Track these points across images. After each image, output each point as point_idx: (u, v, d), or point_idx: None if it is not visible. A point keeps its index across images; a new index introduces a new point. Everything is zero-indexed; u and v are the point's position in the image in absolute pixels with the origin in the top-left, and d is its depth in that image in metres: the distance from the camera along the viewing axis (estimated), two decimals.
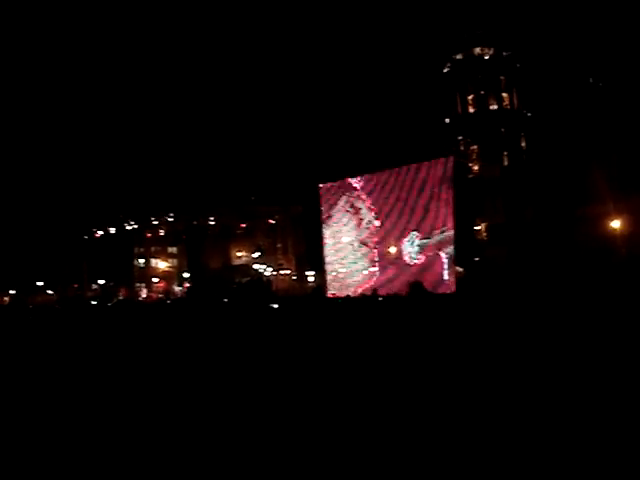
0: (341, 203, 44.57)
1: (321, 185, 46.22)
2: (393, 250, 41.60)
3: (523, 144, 70.26)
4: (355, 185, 44.01)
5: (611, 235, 48.57)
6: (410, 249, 40.24)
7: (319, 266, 49.20)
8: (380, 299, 23.89)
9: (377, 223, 42.49)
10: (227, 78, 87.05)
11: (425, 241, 39.35)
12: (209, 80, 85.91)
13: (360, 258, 43.48)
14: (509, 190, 58.08)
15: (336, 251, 44.99)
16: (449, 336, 10.20)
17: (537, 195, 54.47)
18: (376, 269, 42.33)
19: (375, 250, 42.59)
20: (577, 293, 14.80)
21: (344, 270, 44.35)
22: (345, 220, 44.41)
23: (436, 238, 38.90)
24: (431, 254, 39.06)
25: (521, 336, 8.51)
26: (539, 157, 63.25)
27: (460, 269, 41.02)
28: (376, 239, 42.61)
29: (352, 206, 43.93)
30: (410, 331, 11.58)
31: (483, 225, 60.60)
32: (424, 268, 39.09)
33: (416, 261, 39.82)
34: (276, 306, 22.92)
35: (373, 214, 42.73)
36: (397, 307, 18.06)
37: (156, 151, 64.82)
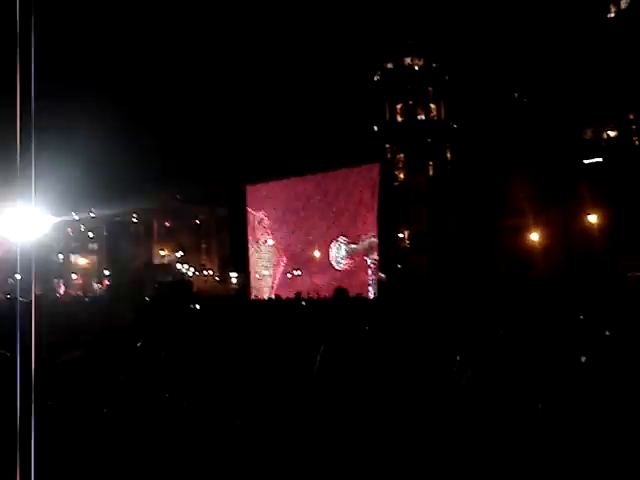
0: (266, 205, 44.48)
1: (248, 186, 46.03)
2: (317, 254, 41.72)
3: (448, 155, 71.66)
4: (276, 188, 44.02)
5: (529, 247, 49.98)
6: (337, 254, 40.40)
7: (243, 268, 48.98)
8: (303, 303, 23.92)
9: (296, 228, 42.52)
10: (156, 73, 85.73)
11: (353, 247, 39.56)
12: (137, 75, 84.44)
13: (284, 261, 43.48)
14: (433, 199, 59.10)
15: (260, 254, 44.88)
16: (369, 339, 10.27)
17: (460, 205, 55.59)
18: (299, 272, 42.38)
19: (300, 254, 42.64)
20: (493, 303, 15.15)
21: (267, 273, 44.26)
22: (269, 223, 44.34)
23: (363, 244, 39.15)
24: (358, 259, 39.30)
25: (436, 341, 8.66)
26: (463, 168, 64.63)
27: (383, 275, 41.44)
28: (299, 244, 42.67)
29: (274, 209, 43.91)
30: (331, 334, 11.59)
31: (406, 233, 61.49)
32: (350, 273, 39.29)
33: (343, 266, 40.03)
34: (198, 307, 22.69)
35: (294, 219, 42.80)
36: (319, 311, 18.11)
37: (79, 144, 63.30)
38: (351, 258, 39.84)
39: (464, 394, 5.78)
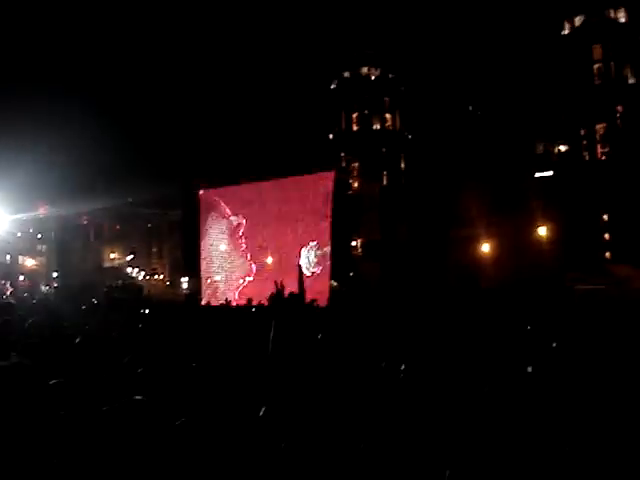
0: (219, 210, 44.20)
1: (201, 191, 45.72)
2: (270, 261, 41.58)
3: (402, 165, 72.15)
4: (230, 193, 43.77)
5: (479, 258, 50.59)
6: (306, 260, 40.08)
7: (194, 273, 48.58)
8: (253, 309, 23.78)
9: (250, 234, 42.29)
10: (113, 76, 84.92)
11: (322, 251, 39.34)
12: (93, 76, 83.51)
13: (237, 267, 43.23)
14: (386, 208, 59.44)
15: (212, 258, 44.57)
16: (319, 346, 10.24)
17: (412, 215, 56.03)
18: (251, 279, 42.18)
19: (252, 260, 42.42)
20: (443, 312, 15.26)
21: (218, 278, 43.95)
22: (222, 228, 44.07)
23: (325, 250, 39.00)
24: (326, 265, 39.17)
25: (384, 349, 8.68)
26: (416, 178, 65.16)
27: (335, 283, 41.47)
28: (254, 249, 42.47)
29: (227, 214, 43.66)
30: (279, 341, 11.54)
31: (359, 241, 61.72)
32: (317, 279, 39.12)
33: (314, 271, 39.80)
34: (147, 311, 22.37)
35: (247, 224, 42.59)
36: (265, 317, 18.01)
37: (31, 142, 62.20)
38: (321, 264, 39.70)
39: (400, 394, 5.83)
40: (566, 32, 58.98)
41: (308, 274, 39.76)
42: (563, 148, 58.79)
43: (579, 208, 51.01)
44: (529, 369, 6.64)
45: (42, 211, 68.29)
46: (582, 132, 57.15)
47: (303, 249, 40.30)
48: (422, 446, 4.63)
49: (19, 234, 73.39)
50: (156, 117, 75.96)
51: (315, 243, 39.85)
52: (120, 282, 59.48)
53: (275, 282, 9.41)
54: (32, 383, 5.19)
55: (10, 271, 73.30)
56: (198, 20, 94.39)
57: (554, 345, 8.00)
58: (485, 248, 50.97)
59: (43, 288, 71.78)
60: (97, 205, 71.26)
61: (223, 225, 44.24)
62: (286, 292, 9.87)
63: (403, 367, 6.66)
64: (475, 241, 51.45)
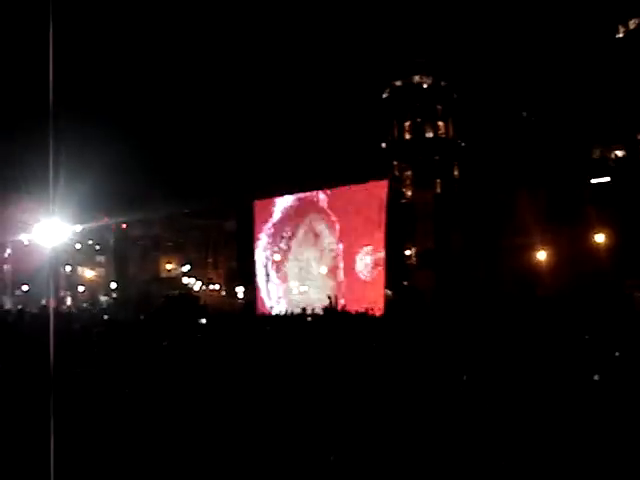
0: (274, 219, 44.54)
1: (256, 202, 46.17)
2: (324, 271, 41.78)
3: (456, 173, 71.75)
4: (284, 203, 44.05)
5: (535, 266, 49.93)
6: (362, 265, 40.00)
7: (249, 282, 49.03)
8: (309, 319, 23.91)
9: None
10: (170, 90, 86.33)
11: (376, 257, 39.24)
12: (147, 91, 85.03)
13: (294, 276, 43.50)
14: (440, 217, 59.12)
15: (266, 269, 44.91)
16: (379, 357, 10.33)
17: (467, 223, 55.61)
18: (306, 288, 42.40)
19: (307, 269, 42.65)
20: (499, 322, 15.17)
21: (275, 288, 44.26)
22: (276, 238, 44.45)
23: (380, 256, 38.92)
24: (380, 272, 39.13)
25: (446, 360, 8.71)
26: (470, 186, 64.69)
27: (389, 292, 41.41)
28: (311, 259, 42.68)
29: (283, 224, 43.97)
30: (341, 353, 11.66)
31: (413, 250, 61.48)
32: (372, 287, 39.10)
33: (369, 276, 39.78)
34: (204, 321, 22.73)
35: (303, 234, 42.84)
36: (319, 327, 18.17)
37: (85, 156, 63.57)
38: (375, 268, 39.66)
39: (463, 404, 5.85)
40: (620, 35, 58.00)
41: (363, 279, 39.84)
42: (620, 153, 57.71)
43: (637, 214, 49.95)
44: (596, 377, 6.62)
45: (101, 222, 69.74)
46: (639, 136, 56.05)
47: (358, 255, 40.38)
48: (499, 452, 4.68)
49: (78, 245, 75.08)
50: (212, 129, 76.91)
51: (370, 248, 39.89)
52: (177, 292, 60.29)
53: (329, 296, 9.54)
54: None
55: (70, 282, 75.00)
56: (248, 34, 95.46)
57: (617, 354, 7.94)
58: (541, 256, 50.27)
59: (102, 299, 73.24)
60: (154, 216, 72.49)
61: (277, 235, 44.66)
62: (342, 301, 10.02)
63: (465, 377, 6.71)
64: (531, 249, 50.80)
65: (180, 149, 75.59)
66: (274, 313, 35.82)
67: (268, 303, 43.64)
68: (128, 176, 68.51)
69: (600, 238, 46.02)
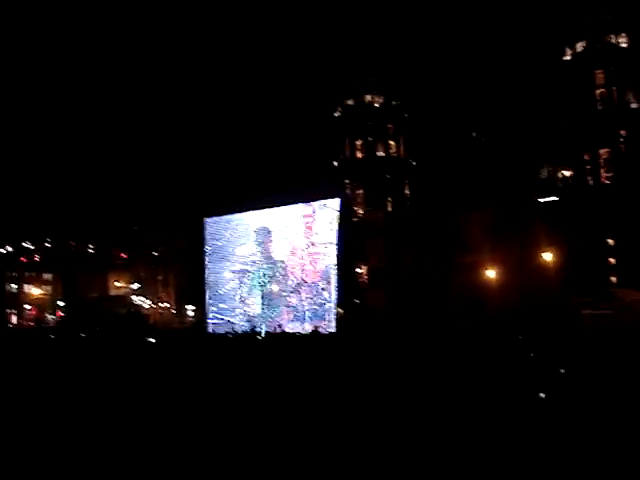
0: (224, 238, 44.29)
1: (206, 219, 45.86)
2: (276, 289, 41.67)
3: (407, 191, 72.24)
4: (236, 221, 43.92)
5: (485, 284, 50.40)
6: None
7: (199, 301, 48.55)
8: (259, 337, 23.75)
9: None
10: (121, 105, 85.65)
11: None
12: (104, 104, 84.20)
13: (243, 295, 43.30)
14: (391, 235, 59.39)
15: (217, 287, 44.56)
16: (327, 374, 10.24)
17: (417, 241, 55.97)
18: (259, 306, 42.21)
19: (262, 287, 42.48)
20: (449, 339, 15.23)
21: (224, 306, 43.92)
22: (227, 255, 44.18)
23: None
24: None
25: (393, 373, 8.66)
26: (421, 205, 65.22)
27: (341, 310, 41.40)
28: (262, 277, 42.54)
29: (233, 242, 43.77)
30: (290, 369, 11.55)
31: (364, 268, 61.59)
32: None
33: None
34: (153, 340, 22.37)
35: (257, 252, 42.72)
36: (278, 344, 18.03)
37: (33, 174, 62.65)
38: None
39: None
40: (568, 58, 59.24)
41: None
42: (567, 173, 58.79)
43: (584, 233, 50.89)
44: (541, 395, 6.61)
45: (49, 240, 68.55)
46: (586, 157, 57.17)
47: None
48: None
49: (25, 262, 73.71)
50: (160, 147, 76.46)
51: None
52: (125, 311, 59.46)
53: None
54: None
55: (16, 300, 73.40)
56: (204, 53, 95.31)
57: (562, 371, 7.96)
58: (490, 274, 50.81)
59: (49, 317, 71.79)
60: (103, 234, 71.52)
61: (227, 252, 44.40)
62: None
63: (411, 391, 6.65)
64: (480, 267, 51.30)
65: (130, 167, 74.88)
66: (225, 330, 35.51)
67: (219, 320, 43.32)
68: (77, 194, 67.60)
69: (548, 256, 46.65)
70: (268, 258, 42.31)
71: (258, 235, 42.72)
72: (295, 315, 39.43)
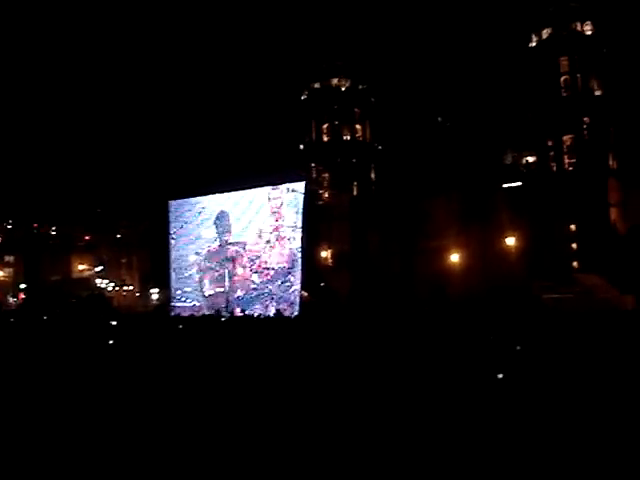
0: (189, 220, 44.06)
1: (170, 201, 45.55)
2: (240, 271, 41.62)
3: (372, 175, 72.38)
4: (200, 203, 43.72)
5: (448, 268, 50.87)
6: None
7: (164, 284, 48.28)
8: (222, 319, 23.72)
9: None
10: (84, 90, 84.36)
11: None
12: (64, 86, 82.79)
13: (208, 277, 43.15)
14: (356, 219, 59.54)
15: (181, 269, 44.35)
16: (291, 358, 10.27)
17: (382, 225, 56.20)
18: (222, 289, 42.10)
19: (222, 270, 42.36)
20: (411, 322, 15.36)
21: (189, 289, 43.75)
22: (191, 238, 43.98)
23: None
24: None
25: (356, 356, 8.71)
26: (386, 189, 65.40)
27: (305, 293, 41.49)
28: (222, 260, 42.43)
29: (198, 225, 43.57)
30: (255, 353, 11.57)
31: (329, 251, 61.71)
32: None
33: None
34: (115, 323, 22.21)
35: (220, 235, 42.58)
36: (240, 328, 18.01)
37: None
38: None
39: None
40: (533, 44, 59.64)
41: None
42: (531, 159, 59.38)
43: (547, 218, 51.52)
44: (499, 376, 6.71)
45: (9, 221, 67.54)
46: (549, 143, 57.72)
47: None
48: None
49: None
50: (126, 129, 75.51)
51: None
52: (88, 293, 58.88)
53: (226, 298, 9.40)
54: None
55: None
56: (169, 30, 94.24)
57: (517, 349, 8.08)
58: (454, 258, 51.26)
59: (10, 299, 70.83)
60: (66, 215, 70.64)
61: (192, 235, 44.17)
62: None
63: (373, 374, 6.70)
64: (444, 251, 51.74)
65: (94, 148, 73.84)
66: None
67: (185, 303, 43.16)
68: (40, 174, 66.64)
69: (511, 241, 47.20)
70: (233, 241, 42.20)
71: (223, 218, 42.56)
72: (260, 298, 39.41)
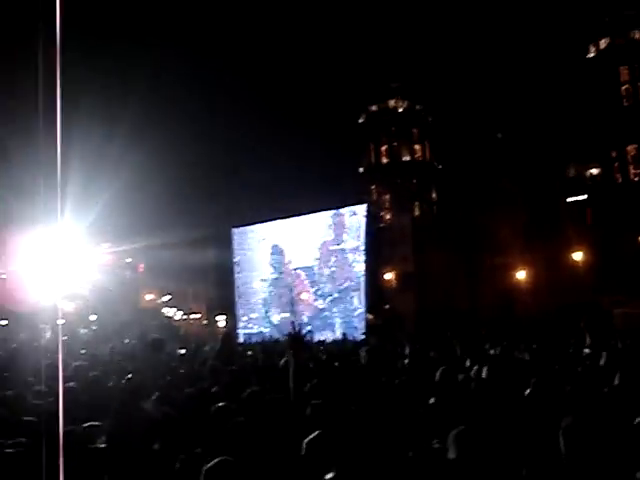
0: (253, 248, 44.50)
1: (234, 229, 46.13)
2: (305, 297, 41.80)
3: (433, 195, 72.13)
4: (263, 231, 44.14)
5: (514, 285, 50.18)
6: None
7: (230, 311, 48.82)
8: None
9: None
10: (151, 126, 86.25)
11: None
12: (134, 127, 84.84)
13: (274, 302, 43.43)
14: (419, 239, 59.30)
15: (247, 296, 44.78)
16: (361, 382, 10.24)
17: (446, 245, 55.82)
18: (287, 314, 42.29)
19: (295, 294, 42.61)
20: (478, 341, 15.16)
21: (255, 315, 44.10)
22: (255, 265, 44.37)
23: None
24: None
25: (427, 380, 8.65)
26: (448, 208, 65.04)
27: (370, 316, 41.39)
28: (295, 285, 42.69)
29: (262, 252, 44.00)
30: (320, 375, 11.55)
31: (393, 273, 61.56)
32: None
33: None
34: (183, 351, 22.50)
35: (285, 260, 42.89)
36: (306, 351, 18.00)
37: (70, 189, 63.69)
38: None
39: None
40: (592, 55, 58.84)
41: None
42: (595, 171, 58.33)
43: (614, 230, 50.44)
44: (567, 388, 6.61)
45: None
46: (613, 154, 56.69)
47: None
48: None
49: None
50: (189, 159, 76.97)
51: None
52: (156, 323, 59.85)
53: (292, 322, 9.43)
54: None
55: (49, 315, 74.12)
56: (226, 58, 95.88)
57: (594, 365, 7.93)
58: (520, 275, 50.54)
59: (82, 331, 72.38)
60: (132, 247, 72.09)
61: (256, 262, 44.57)
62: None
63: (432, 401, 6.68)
64: (509, 268, 51.07)
65: (156, 180, 75.38)
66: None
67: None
68: (106, 207, 68.17)
69: (578, 255, 46.33)
70: (297, 267, 42.44)
71: (286, 244, 42.89)
72: (325, 323, 39.49)
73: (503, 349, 12.47)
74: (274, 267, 43.39)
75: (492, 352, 12.67)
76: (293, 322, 9.31)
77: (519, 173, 57.31)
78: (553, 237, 50.12)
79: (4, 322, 67.42)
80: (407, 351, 12.34)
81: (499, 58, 69.67)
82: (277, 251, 43.20)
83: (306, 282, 41.80)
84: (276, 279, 43.26)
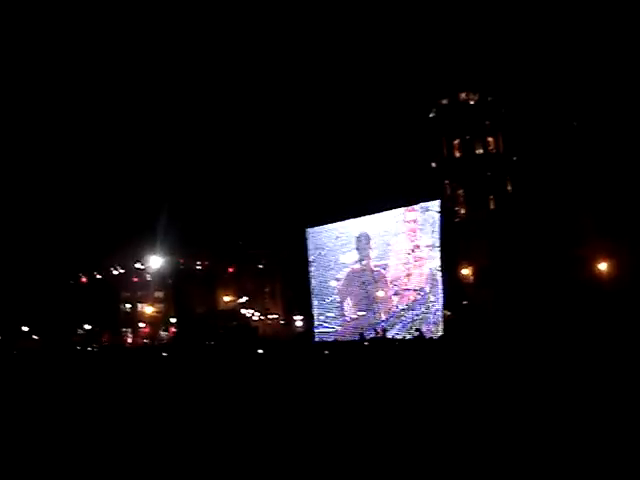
0: (328, 246, 44.52)
1: (308, 229, 46.32)
2: (381, 294, 41.61)
3: (509, 188, 70.79)
4: (338, 230, 44.08)
5: (598, 277, 48.80)
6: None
7: (306, 310, 49.05)
8: (366, 343, 23.71)
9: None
10: (222, 128, 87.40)
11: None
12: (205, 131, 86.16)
13: (350, 302, 43.37)
14: (495, 233, 58.30)
15: (322, 296, 44.84)
16: (438, 380, 10.07)
17: (523, 238, 54.72)
18: (363, 313, 42.14)
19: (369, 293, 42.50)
20: (566, 334, 14.77)
21: (332, 315, 44.12)
22: (331, 264, 44.37)
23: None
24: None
25: (510, 378, 8.41)
26: (524, 200, 63.69)
27: (448, 312, 40.92)
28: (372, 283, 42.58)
29: (336, 250, 43.97)
30: (397, 376, 11.43)
31: (470, 268, 60.65)
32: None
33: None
34: (261, 351, 22.70)
35: (358, 259, 42.78)
36: (382, 351, 17.92)
37: (143, 196, 64.82)
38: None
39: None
40: None
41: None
42: None
43: None
44: None
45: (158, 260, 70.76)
46: None
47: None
48: None
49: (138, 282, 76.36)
50: (262, 160, 77.54)
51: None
52: (235, 323, 60.68)
53: (375, 330, 9.35)
54: None
55: (130, 319, 76.16)
56: (293, 55, 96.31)
57: None
58: (602, 266, 49.16)
59: (162, 334, 74.02)
60: (209, 250, 73.26)
61: (331, 261, 44.62)
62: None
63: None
64: (590, 261, 49.73)
65: (232, 181, 76.27)
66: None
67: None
68: (183, 212, 69.40)
69: None
70: (372, 265, 42.30)
71: (360, 242, 42.81)
72: (402, 320, 39.25)
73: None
74: (349, 266, 43.33)
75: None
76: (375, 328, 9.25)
77: (597, 161, 55.72)
78: (635, 227, 48.62)
79: (88, 327, 69.74)
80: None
81: (574, 44, 67.82)
82: (354, 249, 43.15)
83: (382, 280, 41.60)
84: (351, 277, 43.22)
